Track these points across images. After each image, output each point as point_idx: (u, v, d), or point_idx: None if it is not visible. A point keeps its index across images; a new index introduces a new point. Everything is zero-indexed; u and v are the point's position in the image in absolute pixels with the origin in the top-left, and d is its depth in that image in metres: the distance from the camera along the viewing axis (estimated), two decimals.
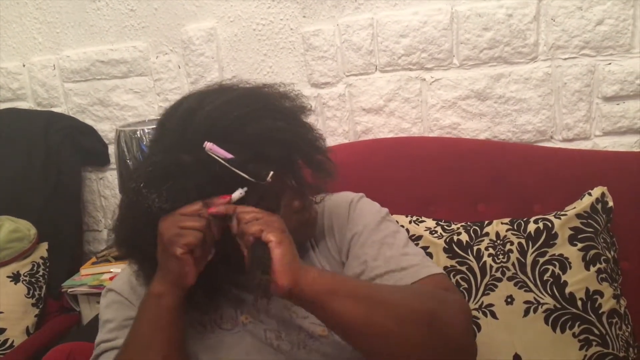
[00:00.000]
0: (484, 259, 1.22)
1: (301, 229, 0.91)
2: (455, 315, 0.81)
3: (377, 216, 0.99)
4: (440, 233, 1.29)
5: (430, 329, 0.76)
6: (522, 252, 1.21)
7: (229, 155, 0.78)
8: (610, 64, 1.43)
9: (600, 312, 1.15)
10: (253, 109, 0.83)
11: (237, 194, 0.79)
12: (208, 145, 0.77)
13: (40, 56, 1.86)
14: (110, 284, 0.97)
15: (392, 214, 1.36)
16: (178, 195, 0.79)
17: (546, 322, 1.16)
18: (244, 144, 0.79)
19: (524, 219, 1.25)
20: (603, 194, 1.25)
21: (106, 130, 1.86)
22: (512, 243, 1.22)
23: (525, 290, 1.18)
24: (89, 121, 1.86)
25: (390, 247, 0.93)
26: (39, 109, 1.89)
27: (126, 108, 1.82)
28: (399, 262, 0.90)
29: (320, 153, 0.88)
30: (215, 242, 0.81)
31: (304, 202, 0.89)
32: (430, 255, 1.26)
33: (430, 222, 1.32)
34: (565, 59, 1.45)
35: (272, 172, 0.79)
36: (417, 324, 0.76)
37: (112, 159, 1.86)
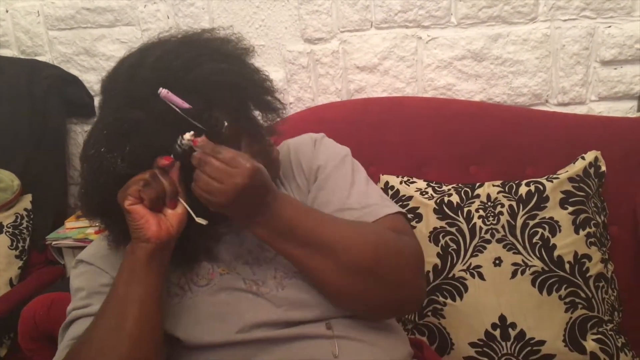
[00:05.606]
0: (473, 221, 1.22)
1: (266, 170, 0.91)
2: (403, 259, 0.85)
3: (340, 153, 1.00)
4: (431, 194, 1.27)
5: (372, 276, 0.82)
6: (513, 214, 1.20)
7: (186, 105, 0.77)
8: (610, 26, 1.40)
9: (587, 275, 1.16)
10: (195, 54, 0.82)
11: (187, 138, 0.77)
12: (163, 92, 0.76)
13: (24, 2, 1.78)
14: (79, 255, 0.96)
15: (383, 174, 1.35)
16: (140, 153, 0.78)
17: (533, 285, 1.16)
18: (190, 91, 0.78)
19: (516, 182, 1.24)
20: (596, 159, 1.24)
21: (92, 81, 1.80)
22: (502, 205, 1.22)
23: (514, 253, 1.18)
24: (74, 71, 1.80)
25: (351, 185, 0.95)
26: (22, 57, 1.83)
27: (113, 59, 1.75)
28: (358, 200, 0.92)
29: (269, 94, 0.88)
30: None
31: (262, 145, 0.89)
32: (420, 215, 1.26)
33: (421, 183, 1.31)
34: (565, 20, 1.42)
35: (226, 124, 0.80)
36: (357, 272, 0.82)
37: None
